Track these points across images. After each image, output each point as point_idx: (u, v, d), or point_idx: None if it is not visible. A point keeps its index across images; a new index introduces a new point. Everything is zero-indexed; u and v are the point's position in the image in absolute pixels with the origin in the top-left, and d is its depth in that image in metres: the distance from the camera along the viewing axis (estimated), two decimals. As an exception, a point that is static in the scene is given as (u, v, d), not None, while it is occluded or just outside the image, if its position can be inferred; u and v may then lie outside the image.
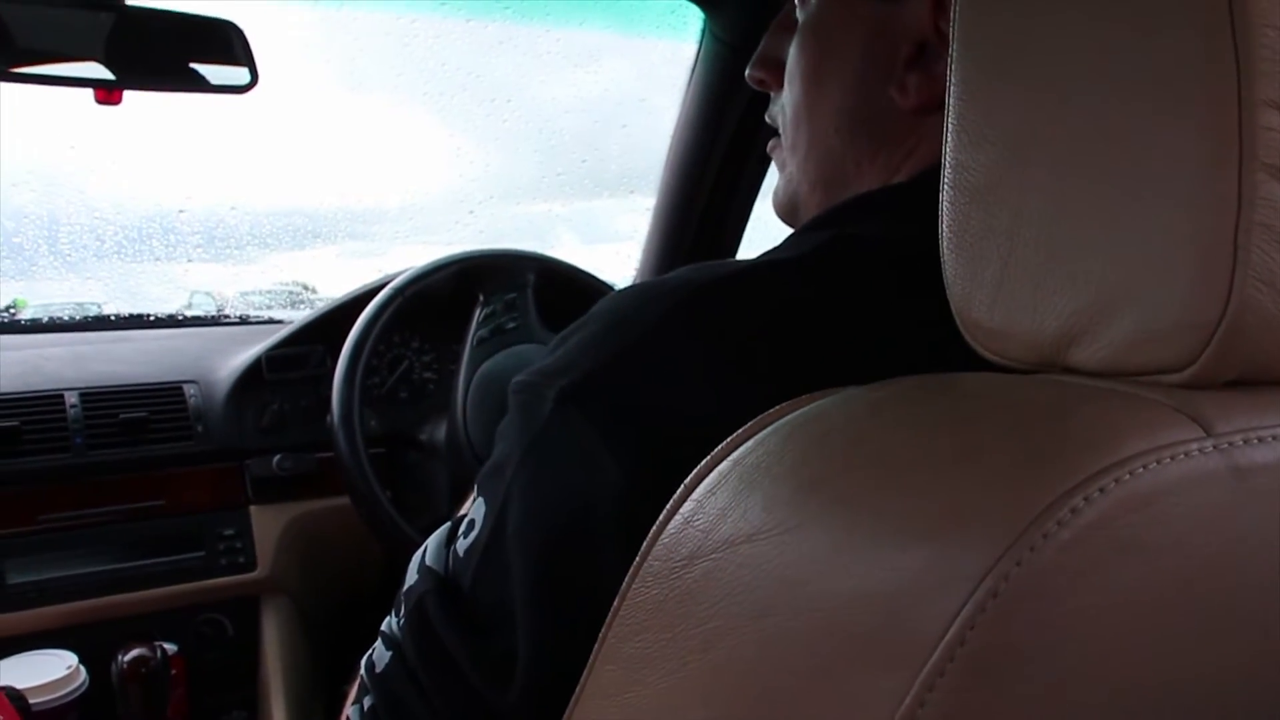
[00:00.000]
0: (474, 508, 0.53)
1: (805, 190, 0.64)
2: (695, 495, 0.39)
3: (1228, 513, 0.31)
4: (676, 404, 0.47)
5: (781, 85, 0.65)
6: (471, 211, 1.73)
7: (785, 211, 0.68)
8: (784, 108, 0.65)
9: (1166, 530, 0.30)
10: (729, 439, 0.39)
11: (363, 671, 0.57)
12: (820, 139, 0.62)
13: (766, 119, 0.69)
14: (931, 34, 0.54)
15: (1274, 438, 0.32)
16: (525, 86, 1.71)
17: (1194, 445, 0.30)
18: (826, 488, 0.34)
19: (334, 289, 1.95)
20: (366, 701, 0.55)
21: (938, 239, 0.41)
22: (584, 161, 1.75)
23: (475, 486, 0.54)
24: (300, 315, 1.54)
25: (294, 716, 1.29)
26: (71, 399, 1.31)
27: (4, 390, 1.29)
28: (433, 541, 0.57)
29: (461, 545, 0.53)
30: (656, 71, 1.65)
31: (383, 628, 0.57)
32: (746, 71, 0.69)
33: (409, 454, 1.41)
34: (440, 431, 1.35)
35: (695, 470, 0.39)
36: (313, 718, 1.36)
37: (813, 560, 0.33)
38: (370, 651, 0.57)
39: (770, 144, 0.70)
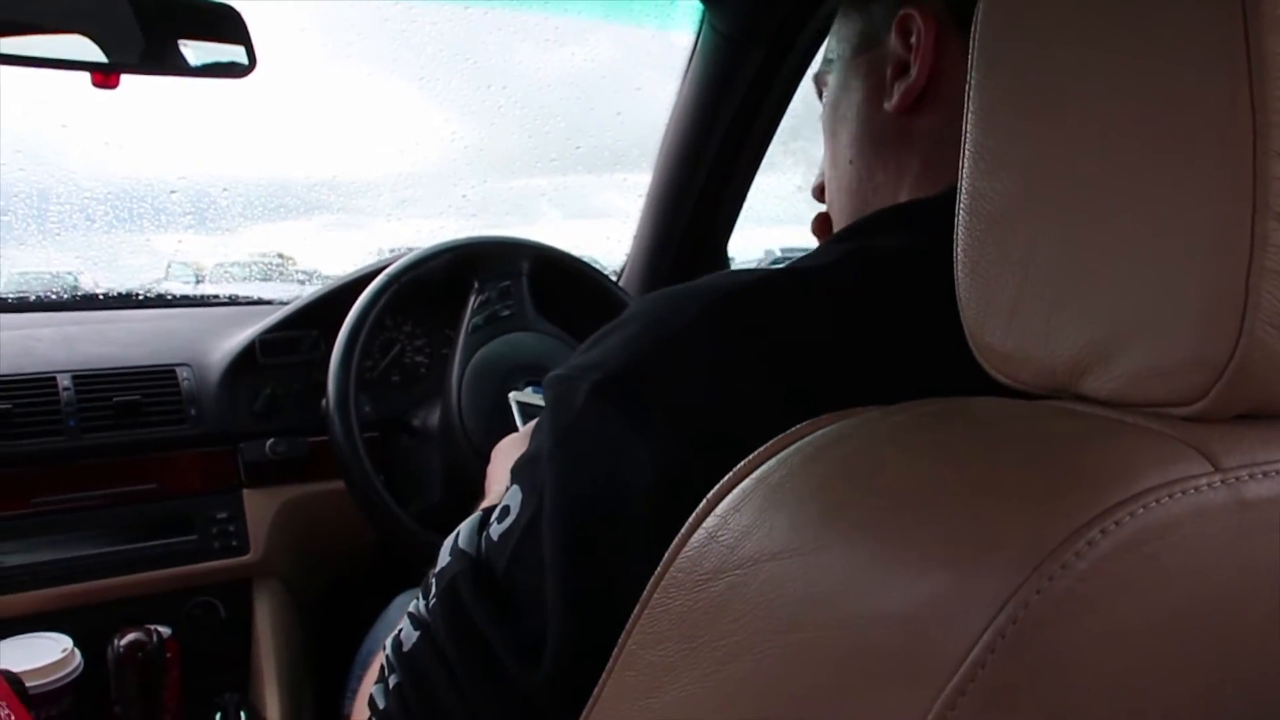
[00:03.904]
0: (509, 495, 0.56)
1: (841, 225, 0.69)
2: (719, 511, 0.40)
3: (1233, 545, 0.32)
4: (706, 399, 0.49)
5: None
6: (465, 196, 1.74)
7: None
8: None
9: (1176, 562, 0.31)
10: (752, 456, 0.41)
11: (388, 651, 0.59)
12: (843, 175, 0.69)
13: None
14: (905, 53, 0.62)
15: (1277, 472, 0.33)
16: (522, 73, 1.71)
17: (1203, 480, 0.32)
18: (851, 511, 0.36)
19: (314, 261, 1.96)
20: (392, 680, 0.57)
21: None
22: (578, 148, 1.76)
23: (510, 475, 0.57)
24: (281, 289, 1.53)
25: (286, 698, 1.30)
26: (64, 381, 1.31)
27: None
28: (465, 527, 0.59)
29: (496, 530, 0.55)
30: (650, 58, 1.65)
31: (410, 609, 0.59)
32: None
33: (402, 438, 1.42)
34: (434, 417, 1.35)
35: (718, 486, 0.41)
36: (304, 699, 1.37)
37: (838, 581, 0.34)
38: (396, 631, 0.59)
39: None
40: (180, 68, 1.18)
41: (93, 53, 1.12)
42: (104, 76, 1.14)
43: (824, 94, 0.73)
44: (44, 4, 1.11)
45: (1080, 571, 0.30)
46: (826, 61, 0.72)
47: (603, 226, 1.85)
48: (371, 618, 1.25)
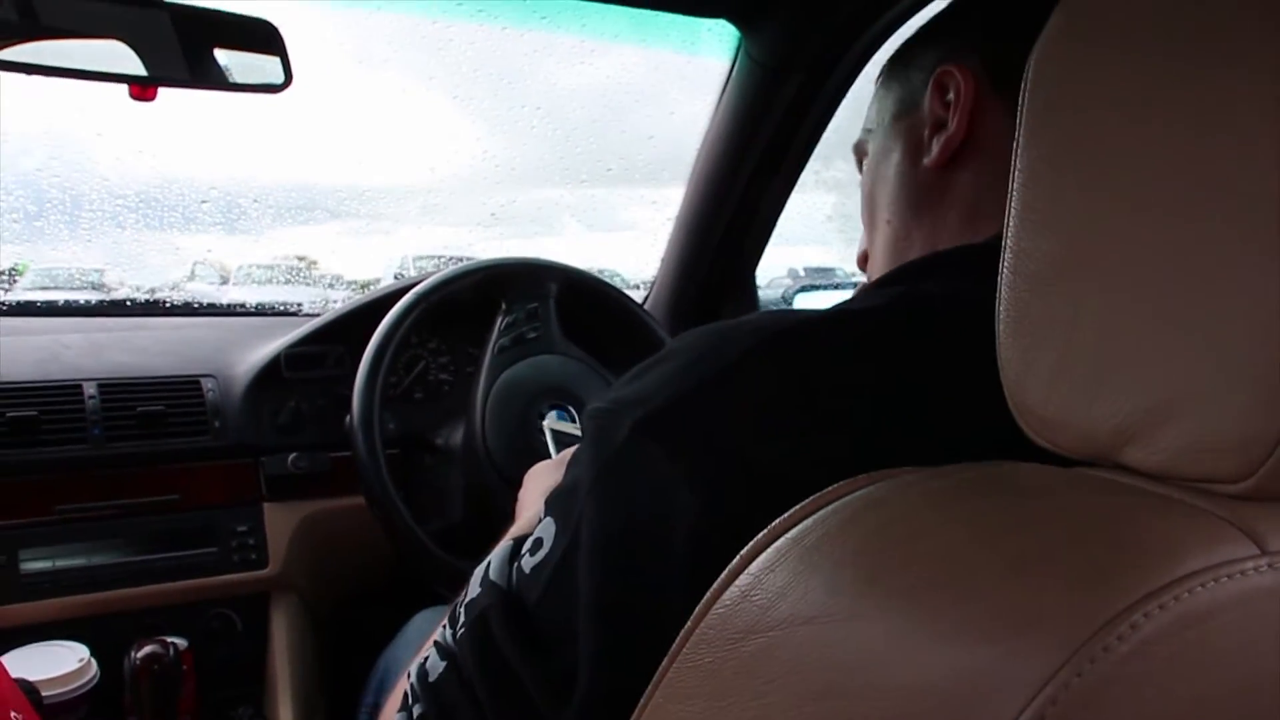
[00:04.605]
0: (541, 527, 0.55)
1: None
2: (752, 569, 0.40)
3: (1276, 630, 0.32)
4: (750, 438, 0.48)
5: None
6: (493, 214, 1.75)
7: None
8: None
9: (1219, 646, 0.31)
10: (787, 514, 0.40)
11: (413, 679, 0.58)
12: (880, 236, 0.70)
13: None
14: (943, 110, 0.62)
15: (1324, 556, 0.33)
16: (555, 94, 1.72)
17: (1249, 564, 0.31)
18: (889, 579, 0.35)
19: (337, 266, 1.97)
20: (416, 710, 0.57)
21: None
22: (609, 170, 1.76)
23: (544, 506, 0.56)
24: (304, 293, 1.54)
25: (300, 713, 1.30)
26: (90, 390, 1.31)
27: (23, 378, 1.30)
28: (495, 556, 0.59)
29: (528, 562, 0.55)
30: (684, 83, 1.66)
31: (436, 637, 0.59)
32: None
33: (424, 456, 1.41)
34: (457, 436, 1.35)
35: (751, 543, 0.40)
36: (318, 715, 1.37)
37: (874, 650, 0.34)
38: (422, 660, 0.59)
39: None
40: (218, 82, 1.19)
41: (132, 65, 1.13)
42: (142, 89, 1.16)
43: (863, 163, 0.73)
44: (84, 15, 1.12)
45: (1122, 654, 0.30)
46: (866, 131, 0.73)
47: (626, 241, 1.85)
48: (388, 635, 1.25)
